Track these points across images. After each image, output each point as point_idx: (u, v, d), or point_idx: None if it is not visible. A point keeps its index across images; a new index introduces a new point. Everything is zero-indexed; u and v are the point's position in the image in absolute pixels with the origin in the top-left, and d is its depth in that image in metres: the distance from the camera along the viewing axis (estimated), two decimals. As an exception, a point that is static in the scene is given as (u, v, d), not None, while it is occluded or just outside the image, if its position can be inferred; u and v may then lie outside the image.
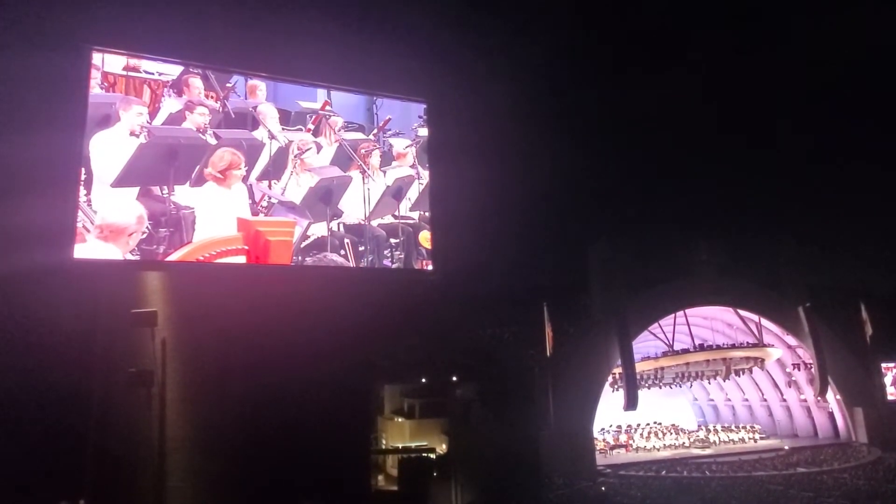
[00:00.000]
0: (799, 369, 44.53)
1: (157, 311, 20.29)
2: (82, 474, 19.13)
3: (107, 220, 20.19)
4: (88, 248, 19.85)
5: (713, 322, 44.99)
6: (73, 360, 19.27)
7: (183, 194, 21.34)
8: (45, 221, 19.16)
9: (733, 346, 42.85)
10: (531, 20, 40.11)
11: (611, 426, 43.05)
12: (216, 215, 21.68)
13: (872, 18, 39.24)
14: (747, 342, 43.30)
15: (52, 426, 18.67)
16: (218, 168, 21.71)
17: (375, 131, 25.70)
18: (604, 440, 41.50)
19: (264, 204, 22.87)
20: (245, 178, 22.35)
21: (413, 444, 28.66)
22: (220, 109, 22.76)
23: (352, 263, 23.91)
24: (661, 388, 43.35)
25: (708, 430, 45.65)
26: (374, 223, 24.83)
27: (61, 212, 19.58)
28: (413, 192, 25.99)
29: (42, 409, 18.62)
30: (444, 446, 28.02)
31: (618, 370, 38.30)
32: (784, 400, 47.44)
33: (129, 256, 20.30)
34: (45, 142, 19.68)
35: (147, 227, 20.63)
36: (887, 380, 42.94)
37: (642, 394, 39.35)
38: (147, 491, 19.87)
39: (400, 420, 30.41)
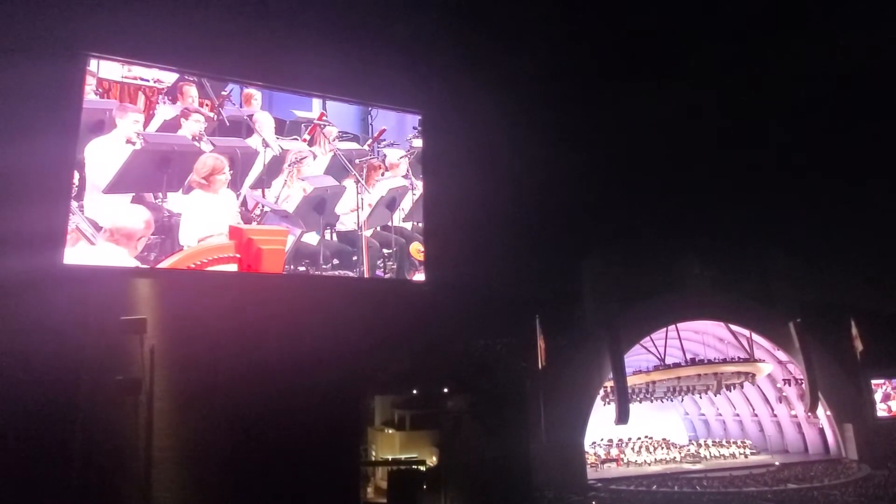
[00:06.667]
0: (790, 385, 44.68)
1: (146, 318, 20.16)
2: (68, 483, 18.86)
3: (117, 225, 20.21)
4: (98, 252, 19.83)
5: (704, 336, 45.13)
6: (61, 367, 19.04)
7: (175, 201, 21.27)
8: (35, 226, 19.02)
9: (724, 361, 42.96)
10: (525, 32, 40.44)
11: (602, 440, 42.95)
12: (203, 221, 21.60)
13: (866, 34, 39.82)
14: (738, 357, 43.43)
15: (37, 434, 18.40)
16: (201, 174, 21.64)
17: (370, 141, 25.74)
18: (595, 454, 41.39)
19: (257, 212, 22.81)
20: (231, 184, 22.26)
21: (403, 456, 28.47)
22: (215, 117, 22.75)
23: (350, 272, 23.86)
24: (652, 402, 43.35)
25: (699, 445, 45.62)
26: (367, 233, 24.81)
27: (52, 217, 19.45)
28: (406, 203, 26.01)
29: (27, 416, 18.37)
30: (434, 458, 27.84)
31: (609, 384, 38.31)
32: (775, 415, 47.51)
33: (135, 261, 20.25)
34: (39, 147, 19.60)
35: (150, 232, 20.60)
36: (877, 396, 43.12)
37: (634, 408, 39.36)
38: (133, 500, 19.62)
39: (390, 431, 30.21)
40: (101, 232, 19.97)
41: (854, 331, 43.71)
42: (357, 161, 25.07)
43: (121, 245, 20.10)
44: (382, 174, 25.45)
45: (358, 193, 24.73)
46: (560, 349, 37.33)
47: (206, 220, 21.60)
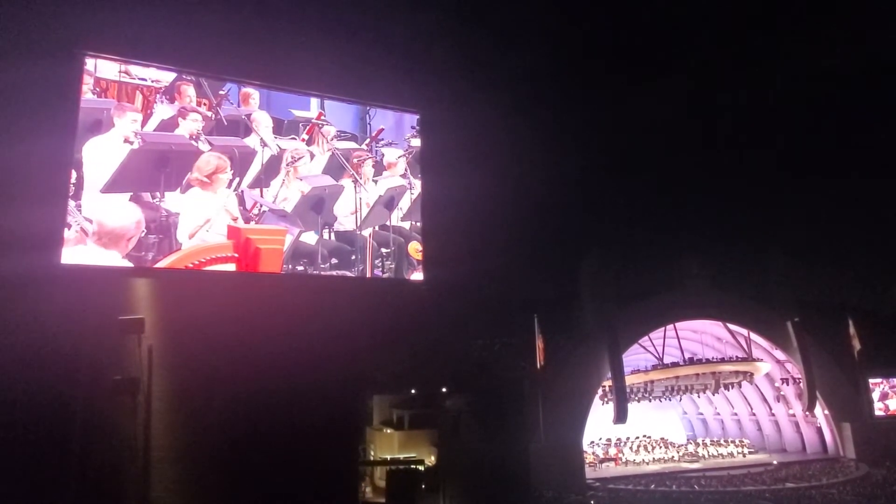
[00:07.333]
0: (787, 384, 44.75)
1: (144, 318, 20.12)
2: (65, 483, 18.83)
3: (106, 226, 20.03)
4: (88, 253, 19.69)
5: (703, 336, 45.17)
6: (58, 366, 18.99)
7: (173, 200, 21.22)
8: (32, 226, 18.95)
9: (723, 360, 43.02)
10: (524, 33, 40.43)
11: (600, 439, 42.98)
12: (201, 220, 21.54)
13: (866, 33, 39.82)
14: (736, 356, 43.48)
15: (35, 434, 18.37)
16: (204, 173, 21.58)
17: (368, 141, 25.71)
18: (593, 453, 41.42)
19: (255, 211, 22.77)
20: (230, 184, 22.22)
21: (402, 456, 28.48)
22: (213, 117, 22.70)
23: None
24: (650, 401, 43.39)
25: (697, 444, 45.68)
26: (365, 233, 24.78)
27: (49, 216, 19.38)
28: (405, 202, 25.98)
29: (24, 416, 18.34)
30: (432, 458, 27.85)
31: (608, 383, 38.33)
32: (773, 414, 47.56)
33: (125, 261, 20.15)
34: (36, 146, 19.54)
35: (142, 231, 20.50)
36: (875, 395, 43.17)
37: (632, 407, 39.39)
38: (132, 500, 19.59)
39: (389, 431, 30.22)
40: (90, 234, 19.83)
41: (852, 330, 43.80)
42: (355, 160, 25.04)
43: (109, 248, 19.87)
44: (374, 168, 25.38)
45: (356, 193, 24.70)
46: (558, 348, 37.37)
47: (204, 219, 21.56)
